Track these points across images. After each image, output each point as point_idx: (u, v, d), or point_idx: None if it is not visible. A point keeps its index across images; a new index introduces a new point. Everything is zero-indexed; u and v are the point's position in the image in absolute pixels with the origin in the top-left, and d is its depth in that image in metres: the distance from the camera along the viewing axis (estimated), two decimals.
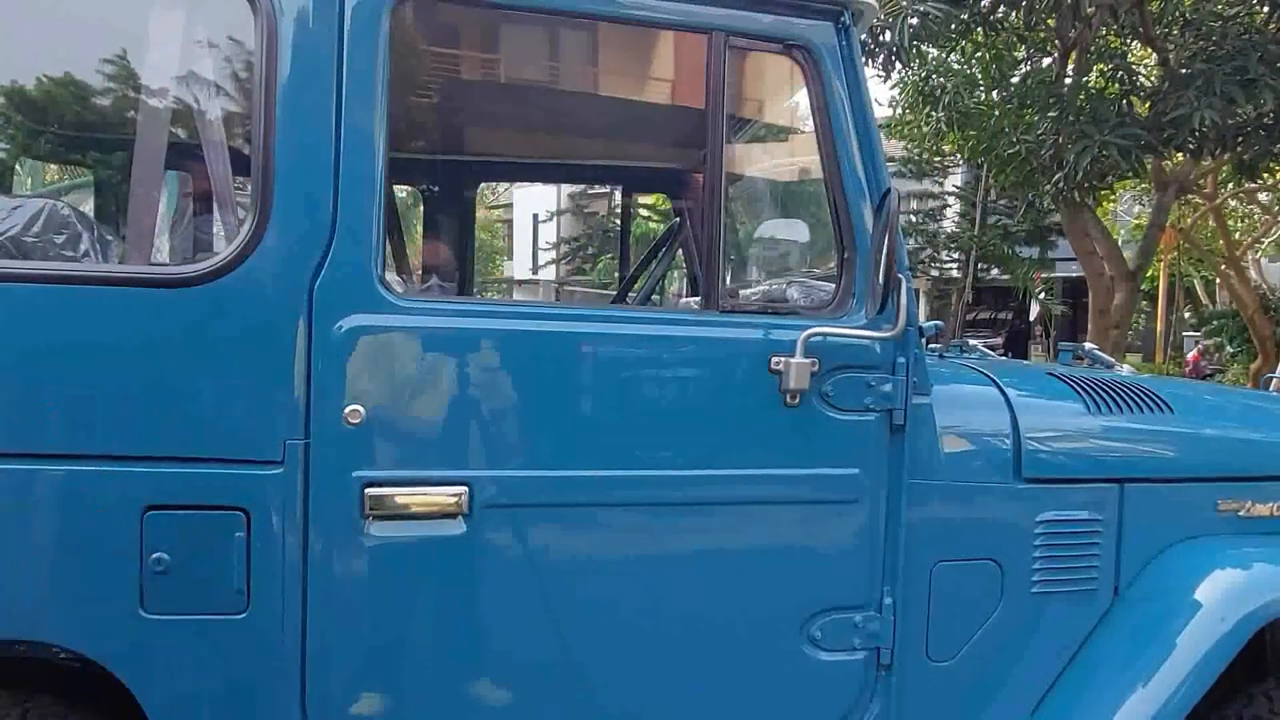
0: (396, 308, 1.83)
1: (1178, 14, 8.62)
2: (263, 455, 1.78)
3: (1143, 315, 20.68)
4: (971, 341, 3.31)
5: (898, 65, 8.64)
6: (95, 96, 2.38)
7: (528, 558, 1.91)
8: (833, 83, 2.02)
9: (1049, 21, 8.84)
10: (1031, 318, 19.30)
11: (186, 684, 1.79)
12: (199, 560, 1.76)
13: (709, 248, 2.01)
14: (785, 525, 2.04)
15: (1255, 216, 17.24)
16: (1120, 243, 13.30)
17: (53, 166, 3.16)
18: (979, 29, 9.01)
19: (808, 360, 1.95)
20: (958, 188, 17.88)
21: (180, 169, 2.57)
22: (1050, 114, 8.25)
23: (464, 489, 1.85)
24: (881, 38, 8.00)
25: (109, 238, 2.12)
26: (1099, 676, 2.18)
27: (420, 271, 3.55)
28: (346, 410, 1.78)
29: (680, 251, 3.18)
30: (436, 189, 3.56)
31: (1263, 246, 17.71)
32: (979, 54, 10.02)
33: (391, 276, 2.70)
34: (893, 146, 14.32)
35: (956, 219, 18.11)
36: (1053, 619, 2.23)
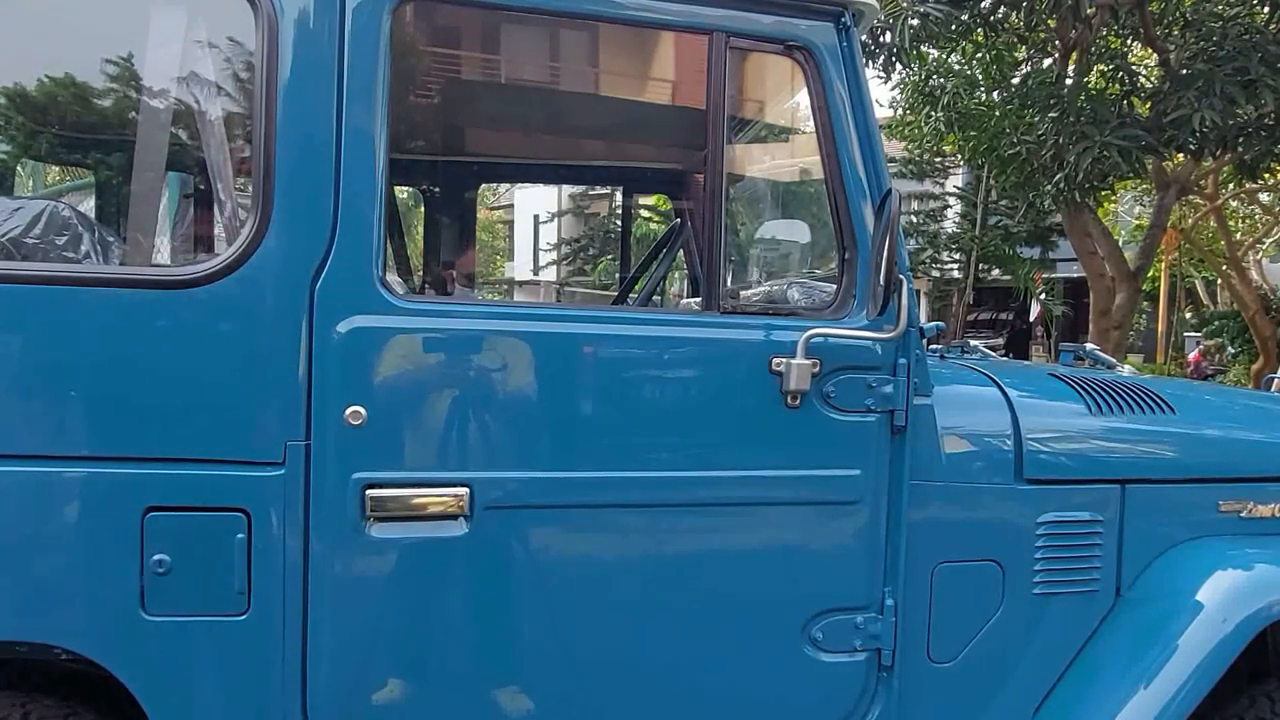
0: (397, 309, 1.83)
1: (1178, 14, 8.62)
2: (264, 456, 1.78)
3: (1144, 316, 20.68)
4: (972, 342, 3.31)
5: (898, 66, 8.65)
6: (96, 97, 2.38)
7: (529, 559, 1.91)
8: (834, 83, 2.02)
9: (1049, 22, 8.84)
10: (1032, 318, 19.29)
11: (187, 685, 1.78)
12: (200, 561, 1.76)
13: (710, 249, 2.01)
14: (786, 526, 2.04)
15: (1256, 217, 17.24)
16: (1121, 243, 13.31)
17: (54, 168, 3.16)
18: (979, 30, 9.03)
19: (809, 361, 1.95)
20: (958, 188, 17.90)
21: (181, 170, 2.58)
22: (1051, 115, 8.25)
23: (465, 490, 1.84)
24: (882, 38, 8.01)
25: (110, 239, 2.11)
26: (1101, 678, 2.18)
27: (421, 272, 3.55)
28: (348, 411, 1.78)
29: (681, 252, 3.18)
30: (437, 190, 3.56)
31: (1264, 247, 17.70)
32: (979, 55, 10.03)
33: (392, 277, 2.70)
34: (893, 147, 14.33)
35: (957, 220, 18.13)
36: (1054, 620, 2.23)
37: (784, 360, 1.95)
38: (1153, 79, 9.48)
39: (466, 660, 1.91)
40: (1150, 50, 9.27)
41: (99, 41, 2.13)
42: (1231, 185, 13.86)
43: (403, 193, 4.18)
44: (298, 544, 1.79)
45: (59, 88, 2.36)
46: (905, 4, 7.35)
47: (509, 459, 1.88)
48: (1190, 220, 16.20)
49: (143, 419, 1.76)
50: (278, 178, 1.78)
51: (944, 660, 2.16)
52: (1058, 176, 8.43)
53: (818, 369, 1.97)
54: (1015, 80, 9.97)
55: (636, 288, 3.25)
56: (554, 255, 18.32)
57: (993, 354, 3.34)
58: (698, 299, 2.44)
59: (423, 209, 3.75)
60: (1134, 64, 9.79)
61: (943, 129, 10.46)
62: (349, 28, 1.81)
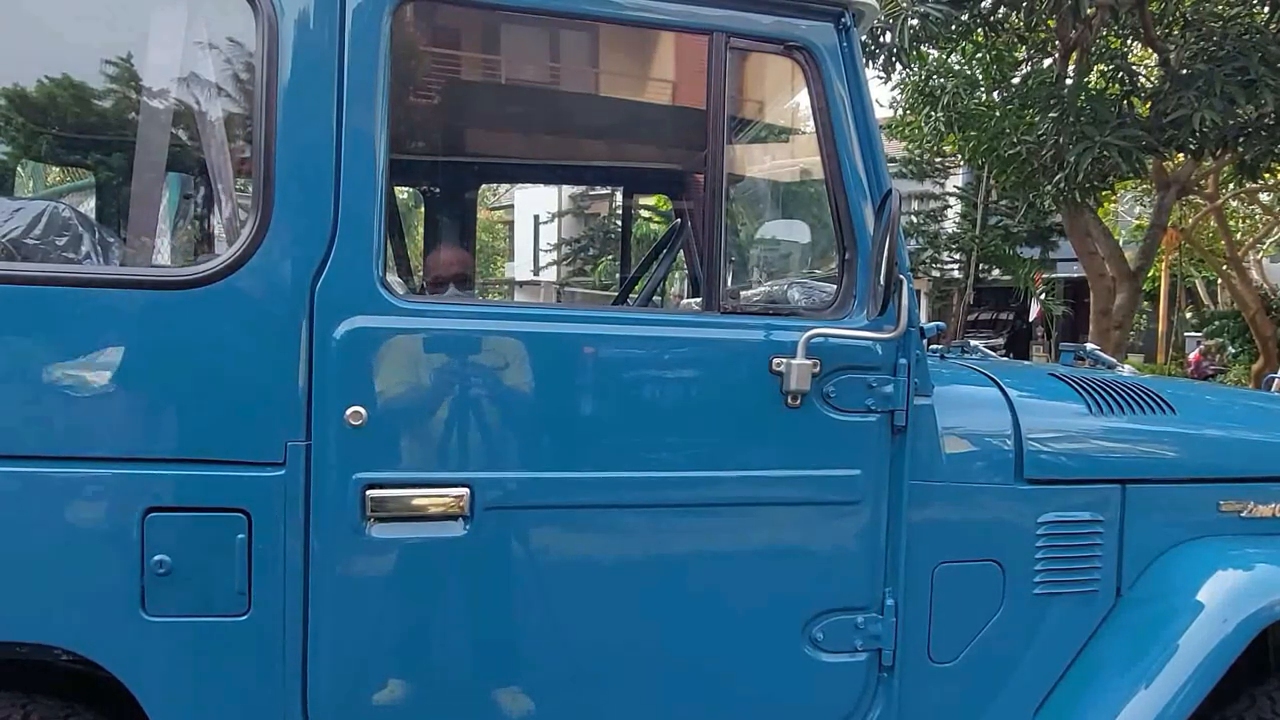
0: (398, 309, 1.83)
1: (1178, 14, 8.63)
2: (264, 457, 1.78)
3: (1144, 316, 20.69)
4: (973, 342, 3.31)
5: (898, 66, 8.66)
6: (97, 98, 2.38)
7: (529, 559, 1.91)
8: (834, 84, 2.02)
9: (1049, 22, 8.85)
10: (1032, 318, 19.30)
11: (188, 686, 1.78)
12: (201, 562, 1.76)
13: (710, 249, 2.01)
14: (787, 526, 2.04)
15: (1256, 217, 17.25)
16: (1121, 243, 13.31)
17: (54, 168, 3.16)
18: (979, 30, 9.04)
19: (809, 361, 1.95)
20: (959, 188, 17.91)
21: (181, 170, 2.58)
22: (1051, 115, 8.26)
23: (465, 490, 1.84)
24: (882, 39, 8.02)
25: (110, 240, 2.11)
26: (1101, 678, 2.18)
27: (421, 272, 3.55)
28: (348, 412, 1.78)
29: (681, 253, 3.18)
30: (437, 190, 3.56)
31: (1264, 247, 17.70)
32: (979, 55, 10.04)
33: (392, 278, 2.70)
34: (894, 147, 14.35)
35: (957, 220, 18.14)
36: (1055, 620, 2.22)
37: (784, 360, 1.95)
38: (1153, 79, 9.49)
39: (467, 661, 1.91)
40: (1150, 50, 9.28)
41: (99, 42, 2.14)
42: (1231, 185, 13.86)
43: (403, 193, 4.18)
44: (298, 544, 1.79)
45: (59, 88, 2.36)
46: (905, 4, 7.36)
47: (509, 459, 1.88)
48: (1190, 220, 16.20)
49: (143, 419, 1.76)
50: (278, 178, 1.78)
51: (945, 660, 2.16)
52: (1058, 176, 8.44)
53: (818, 369, 1.97)
54: (1015, 80, 9.98)
55: (637, 288, 3.25)
56: (554, 255, 18.31)
57: (993, 354, 3.34)
58: (698, 299, 2.44)
59: (423, 209, 3.75)
60: (1134, 64, 9.80)
61: (943, 129, 10.47)
62: (349, 28, 1.81)
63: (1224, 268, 15.85)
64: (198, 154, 2.00)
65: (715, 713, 2.04)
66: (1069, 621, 2.24)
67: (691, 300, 3.25)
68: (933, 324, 2.48)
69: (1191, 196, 13.85)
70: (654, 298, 3.06)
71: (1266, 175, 10.31)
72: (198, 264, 1.90)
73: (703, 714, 2.04)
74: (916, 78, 10.26)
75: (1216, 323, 18.66)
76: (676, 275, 4.17)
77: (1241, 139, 8.20)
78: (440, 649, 1.90)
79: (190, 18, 1.93)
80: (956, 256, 18.05)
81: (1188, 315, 21.85)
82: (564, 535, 1.95)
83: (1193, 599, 2.17)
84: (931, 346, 2.94)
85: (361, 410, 1.79)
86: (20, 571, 1.72)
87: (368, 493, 1.80)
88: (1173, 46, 8.53)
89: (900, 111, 12.11)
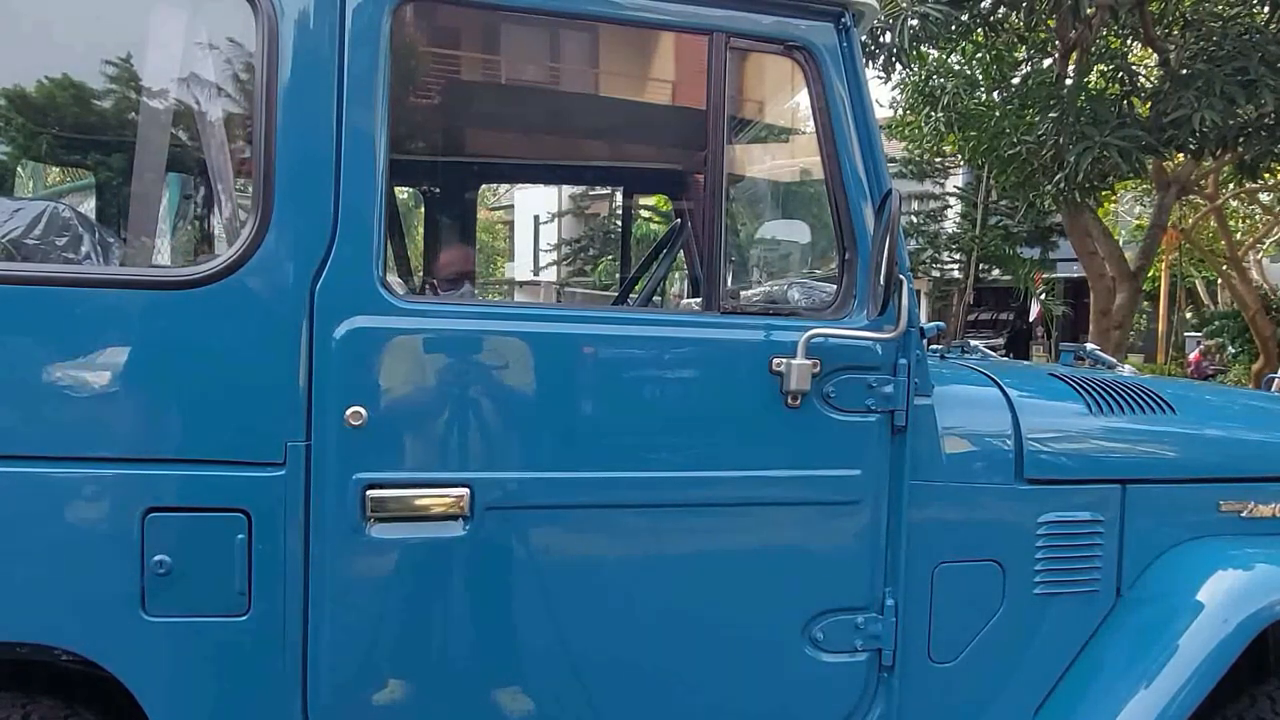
0: (398, 309, 1.83)
1: (1178, 14, 8.63)
2: (264, 457, 1.78)
3: (1144, 316, 20.69)
4: (973, 342, 3.31)
5: (898, 66, 8.66)
6: (97, 98, 2.38)
7: (529, 560, 1.91)
8: (834, 84, 2.02)
9: (1049, 22, 8.85)
10: (1032, 318, 19.30)
11: (188, 686, 1.79)
12: (200, 562, 1.76)
13: (710, 249, 2.01)
14: (787, 527, 2.04)
15: (1256, 217, 17.25)
16: (1121, 243, 13.31)
17: (54, 168, 3.16)
18: (979, 30, 9.04)
19: (809, 361, 1.95)
20: (959, 189, 17.92)
21: (182, 171, 2.58)
22: (1051, 115, 8.26)
23: (465, 491, 1.84)
24: (882, 39, 8.02)
25: (110, 240, 2.12)
26: (1101, 678, 2.18)
27: (421, 273, 3.56)
28: (348, 412, 1.78)
29: (681, 253, 3.18)
30: (437, 190, 3.57)
31: (1264, 247, 17.70)
32: (979, 55, 10.04)
33: (392, 278, 2.70)
34: (894, 147, 14.34)
35: (957, 220, 18.15)
36: (1055, 620, 2.22)
37: (784, 360, 1.95)
38: (1153, 79, 9.49)
39: (467, 661, 1.90)
40: (1150, 50, 9.28)
41: (99, 42, 2.14)
42: (1231, 185, 13.87)
43: (403, 193, 4.18)
44: (298, 545, 1.79)
45: (59, 89, 2.36)
46: (905, 4, 7.36)
47: (509, 459, 1.88)
48: (1190, 220, 16.21)
49: (143, 420, 1.76)
50: (278, 178, 1.78)
51: (945, 660, 2.16)
52: (1058, 176, 8.43)
53: (818, 369, 1.97)
54: (1015, 80, 9.99)
55: (637, 288, 3.25)
56: (554, 256, 18.31)
57: (993, 354, 3.33)
58: (698, 299, 2.44)
59: (423, 209, 3.75)
60: (1134, 64, 9.80)
61: (943, 129, 10.48)
62: (349, 28, 1.81)
63: (1224, 268, 15.85)
64: (198, 154, 2.00)
65: (715, 712, 2.04)
66: (1069, 621, 2.24)
67: (691, 300, 3.25)
68: (933, 324, 2.48)
69: (1191, 196, 13.85)
70: (654, 298, 3.06)
71: (1266, 175, 10.32)
72: (198, 264, 1.90)
73: (703, 714, 2.04)
74: (916, 78, 10.27)
75: (1216, 323, 18.67)
76: (676, 275, 4.17)
77: (1241, 139, 8.20)
78: (440, 649, 1.90)
79: (190, 17, 1.93)
80: (956, 256, 18.06)
81: (1188, 315, 21.86)
82: (564, 535, 1.95)
83: (1193, 599, 2.17)
84: (931, 346, 2.94)
85: (361, 410, 1.79)
86: (20, 572, 1.72)
87: (368, 493, 1.80)
88: (1173, 46, 8.53)
89: (900, 111, 12.11)
